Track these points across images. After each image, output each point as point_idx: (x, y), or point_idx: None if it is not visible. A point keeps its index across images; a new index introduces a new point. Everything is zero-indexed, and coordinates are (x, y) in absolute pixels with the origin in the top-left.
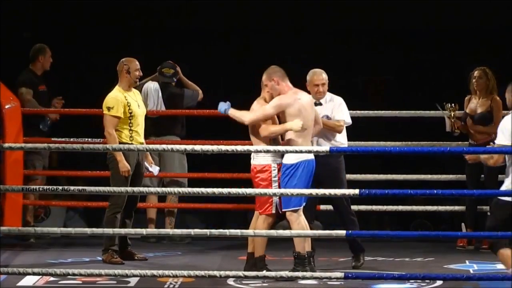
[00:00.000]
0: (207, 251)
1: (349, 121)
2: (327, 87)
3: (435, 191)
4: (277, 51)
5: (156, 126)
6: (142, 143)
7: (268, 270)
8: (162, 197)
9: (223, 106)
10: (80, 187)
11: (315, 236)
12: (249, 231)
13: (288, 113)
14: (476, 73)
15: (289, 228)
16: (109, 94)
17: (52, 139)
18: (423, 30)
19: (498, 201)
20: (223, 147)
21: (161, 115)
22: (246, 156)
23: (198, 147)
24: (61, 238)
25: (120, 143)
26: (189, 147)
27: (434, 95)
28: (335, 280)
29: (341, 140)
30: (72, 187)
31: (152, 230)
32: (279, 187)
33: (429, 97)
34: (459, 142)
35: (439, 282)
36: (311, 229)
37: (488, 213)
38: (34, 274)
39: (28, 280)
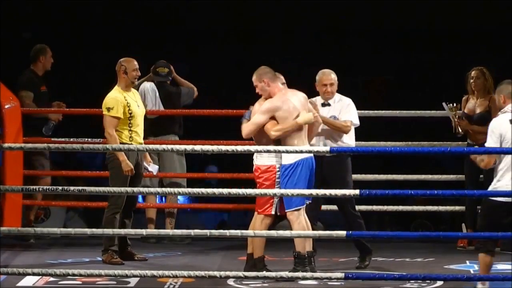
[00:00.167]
0: (207, 252)
1: (356, 122)
2: (335, 87)
3: (435, 192)
4: (277, 50)
5: (155, 126)
6: (141, 144)
7: (268, 270)
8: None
9: (246, 114)
10: (80, 187)
11: (315, 237)
12: (249, 232)
13: (277, 116)
14: (473, 73)
15: (290, 228)
16: (108, 94)
17: (52, 139)
18: (423, 30)
19: (491, 202)
20: (223, 147)
21: (159, 115)
22: (247, 156)
23: (198, 147)
24: (61, 239)
25: (120, 143)
26: (189, 147)
27: (434, 95)
28: (335, 280)
29: (348, 141)
30: (72, 188)
31: (152, 231)
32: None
33: (429, 97)
34: (460, 142)
35: (439, 283)
36: (313, 229)
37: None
38: (34, 274)
39: (28, 280)
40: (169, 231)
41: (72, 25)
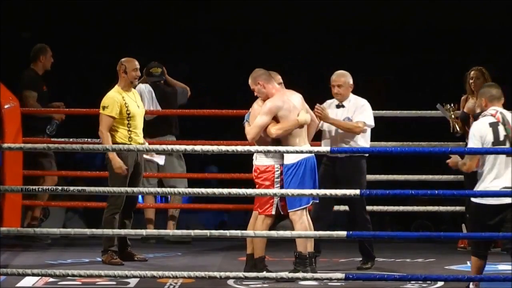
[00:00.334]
0: (207, 252)
1: (370, 123)
2: (345, 89)
3: (436, 192)
4: (278, 51)
5: (151, 127)
6: (141, 144)
7: (268, 271)
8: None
9: (247, 117)
10: (80, 188)
11: (316, 237)
12: (250, 232)
13: (279, 115)
14: (472, 73)
15: (291, 228)
16: (107, 93)
17: (52, 139)
18: (423, 30)
19: (475, 204)
20: (223, 148)
21: (156, 116)
22: (247, 156)
23: (198, 147)
24: (61, 239)
25: (117, 143)
26: (189, 148)
27: (434, 95)
28: (335, 281)
29: (362, 143)
30: (71, 188)
31: (152, 231)
32: (281, 188)
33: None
34: (460, 143)
35: (440, 283)
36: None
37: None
38: (33, 275)
39: (28, 281)
40: (169, 232)
41: (72, 25)
